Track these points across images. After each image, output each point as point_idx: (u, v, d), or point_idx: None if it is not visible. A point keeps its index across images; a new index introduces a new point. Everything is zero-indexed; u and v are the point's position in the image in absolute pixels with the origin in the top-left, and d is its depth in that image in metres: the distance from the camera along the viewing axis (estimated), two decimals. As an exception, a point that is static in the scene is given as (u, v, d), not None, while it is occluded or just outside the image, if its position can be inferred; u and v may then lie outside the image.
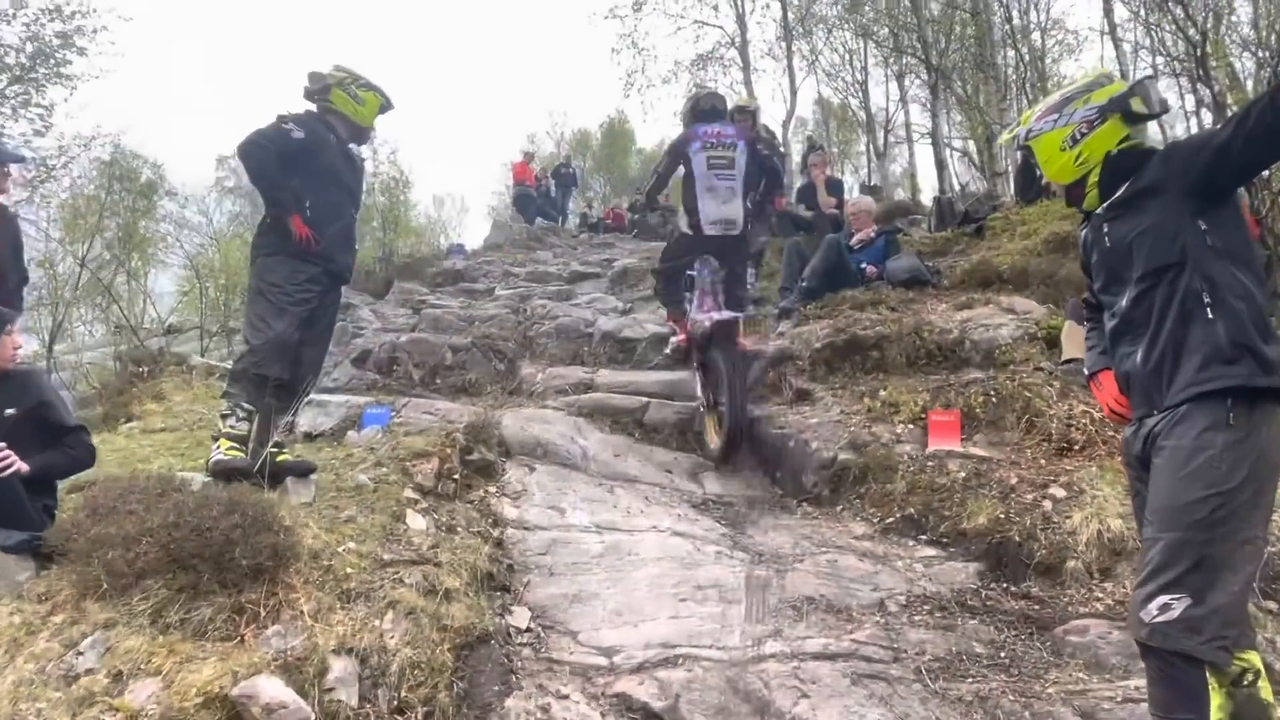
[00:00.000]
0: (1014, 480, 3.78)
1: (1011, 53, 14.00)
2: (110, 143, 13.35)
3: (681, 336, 5.53)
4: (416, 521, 3.33)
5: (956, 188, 16.22)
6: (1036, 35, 15.74)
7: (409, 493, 3.53)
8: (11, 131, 10.73)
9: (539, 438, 4.77)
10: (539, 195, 18.81)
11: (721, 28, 13.64)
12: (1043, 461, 3.92)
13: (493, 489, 4.08)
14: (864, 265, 6.61)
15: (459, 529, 3.46)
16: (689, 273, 5.40)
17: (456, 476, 3.96)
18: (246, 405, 3.35)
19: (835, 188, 9.36)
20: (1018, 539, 3.45)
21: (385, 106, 3.89)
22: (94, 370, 8.47)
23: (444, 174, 56.77)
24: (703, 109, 5.51)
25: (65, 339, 12.74)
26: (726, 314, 4.89)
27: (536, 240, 16.12)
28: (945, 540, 3.66)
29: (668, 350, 5.99)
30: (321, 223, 3.56)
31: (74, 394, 6.87)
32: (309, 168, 3.57)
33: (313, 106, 3.76)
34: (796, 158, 17.38)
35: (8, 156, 3.80)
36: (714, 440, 4.98)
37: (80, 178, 13.46)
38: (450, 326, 7.72)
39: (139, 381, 6.04)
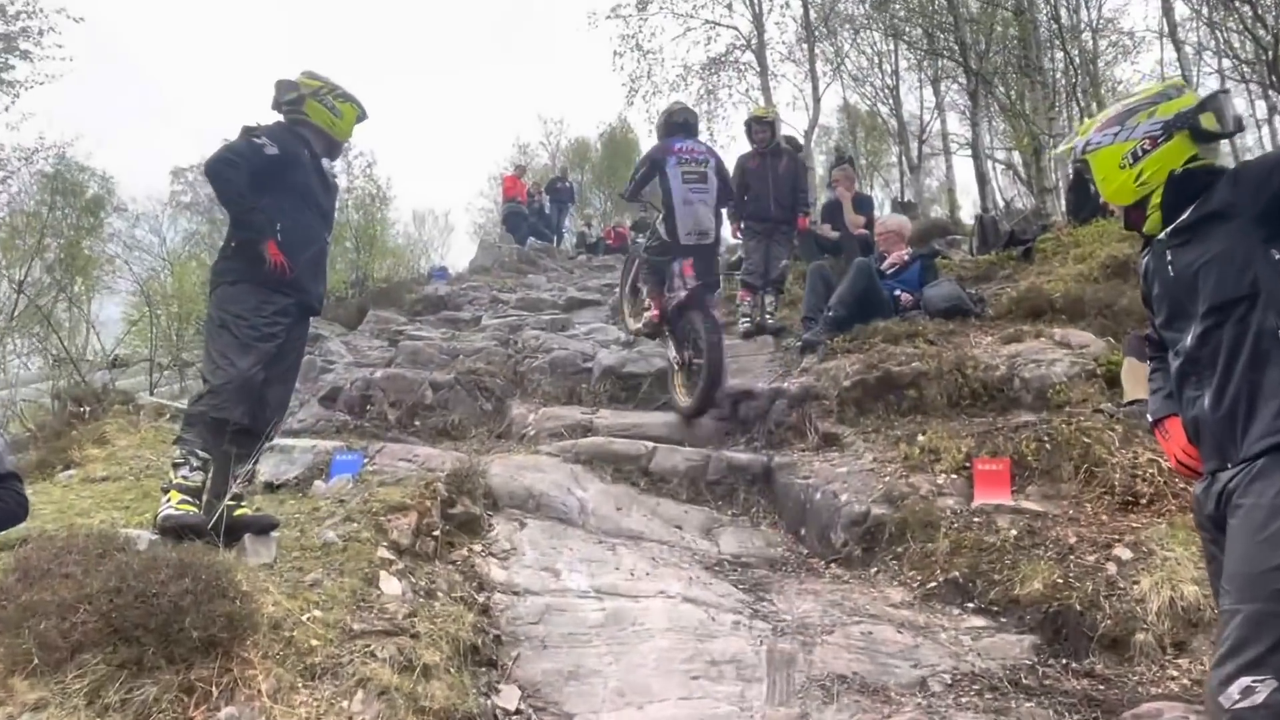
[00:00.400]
0: (1073, 539, 3.74)
1: (1060, 55, 14.19)
2: (54, 154, 13.52)
3: (654, 311, 6.43)
4: (391, 585, 3.30)
5: (1000, 205, 16.34)
6: (1087, 35, 15.97)
7: (383, 552, 3.50)
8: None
9: (531, 488, 4.75)
10: (531, 212, 18.98)
11: (736, 29, 13.83)
12: (1105, 518, 3.88)
13: (478, 547, 4.04)
14: (897, 292, 6.63)
15: (439, 594, 3.43)
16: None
17: (437, 533, 3.93)
18: (202, 453, 3.35)
19: (864, 205, 9.45)
20: (1078, 607, 3.41)
21: (362, 117, 3.96)
22: (29, 409, 8.47)
23: (426, 189, 57.67)
24: (676, 122, 6.46)
25: (-2, 373, 12.81)
26: (689, 286, 5.99)
27: (529, 263, 16.23)
28: (995, 608, 3.61)
29: (640, 324, 6.78)
30: (294, 248, 3.59)
31: (5, 436, 6.87)
32: (280, 186, 3.60)
33: (280, 118, 3.80)
34: (821, 170, 17.56)
35: None
36: (683, 398, 6.13)
37: (20, 193, 13.63)
38: (431, 361, 7.75)
39: (79, 423, 6.02)
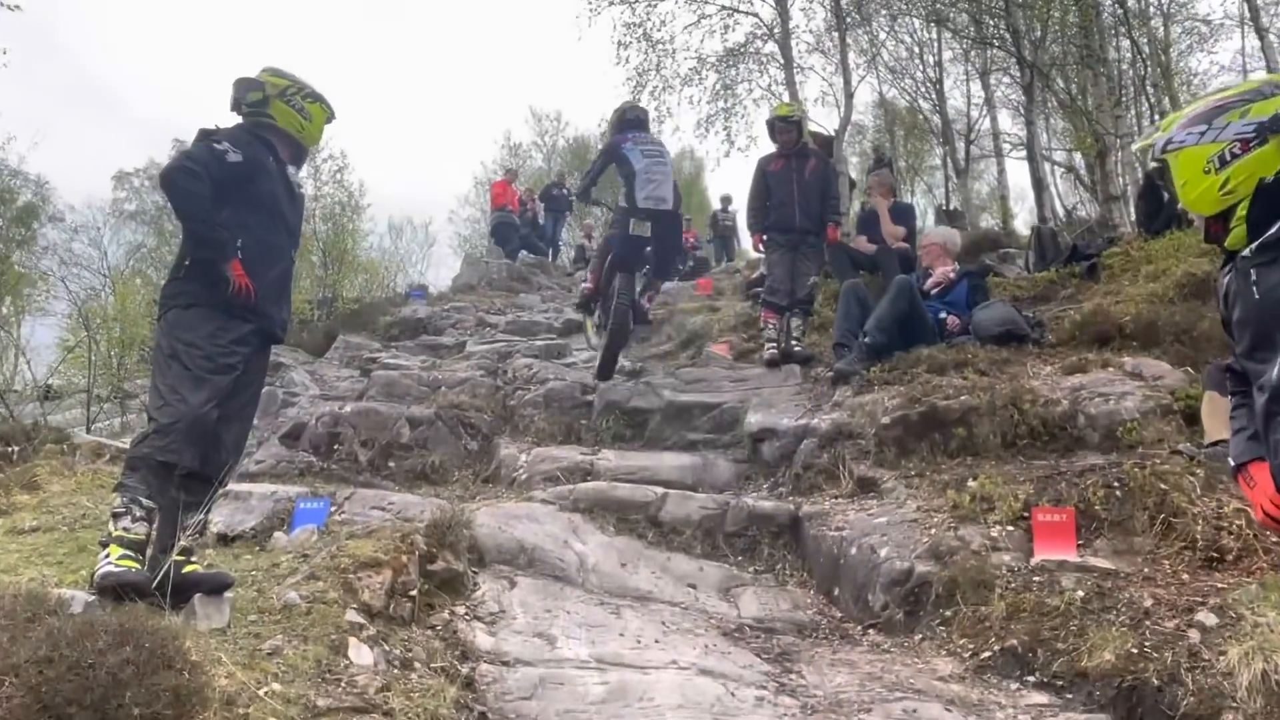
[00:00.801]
0: (1148, 602, 3.71)
1: (1126, 44, 14.27)
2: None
3: (590, 285, 8.34)
4: (361, 654, 3.29)
5: (1060, 213, 16.39)
6: (1158, 21, 16.08)
7: (352, 615, 3.50)
8: None
9: (522, 541, 4.74)
10: (524, 223, 19.09)
11: (757, 15, 13.89)
12: (1186, 577, 3.85)
13: (461, 610, 4.03)
14: (942, 315, 6.65)
15: (416, 664, 3.42)
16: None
17: (414, 593, 3.93)
18: (146, 501, 3.35)
19: (903, 215, 9.48)
20: (1156, 682, 3.37)
21: (331, 118, 4.01)
22: (-52, 449, 8.51)
23: (403, 196, 57.80)
24: (629, 119, 7.99)
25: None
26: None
27: (520, 280, 16.34)
28: (1060, 682, 3.57)
29: (576, 300, 9.08)
30: (256, 268, 3.63)
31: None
32: (242, 198, 3.64)
33: (240, 120, 3.85)
34: (855, 174, 17.63)
35: None
36: (594, 336, 8.54)
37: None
38: (408, 393, 7.77)
39: (6, 465, 6.06)
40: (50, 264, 19.14)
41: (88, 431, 8.76)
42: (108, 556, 3.27)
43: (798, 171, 8.00)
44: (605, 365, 7.66)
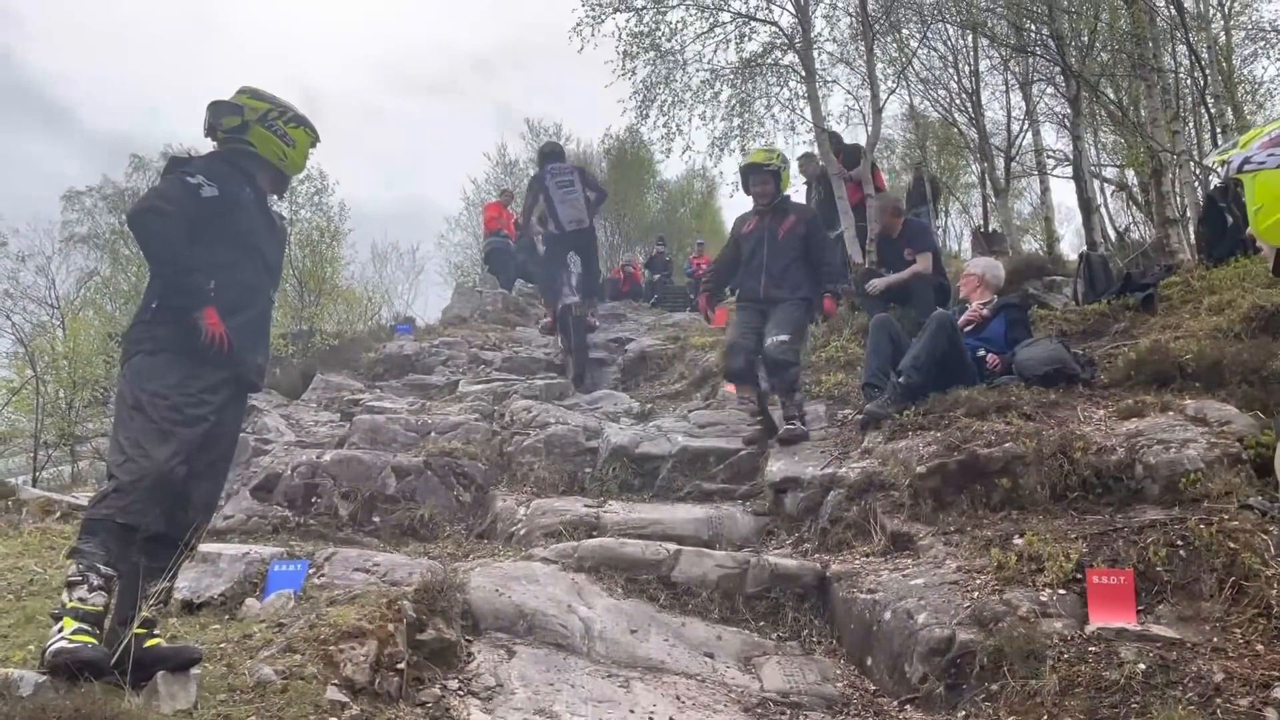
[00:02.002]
0: (1219, 676, 3.67)
1: (1183, 49, 14.32)
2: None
3: (550, 319, 11.54)
4: (343, 736, 3.28)
5: (1112, 236, 16.41)
6: (1218, 25, 16.17)
7: (333, 692, 3.48)
8: None
9: (521, 606, 4.73)
10: (520, 249, 19.16)
11: (776, 24, 13.95)
12: (1260, 647, 3.81)
13: (454, 684, 4.02)
14: (981, 353, 6.64)
15: (404, 747, 3.40)
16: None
17: (402, 666, 3.92)
18: (104, 568, 3.33)
19: (916, 238, 9.43)
20: (1229, 766, 3.34)
21: (315, 143, 4.04)
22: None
23: (388, 218, 58.23)
24: (545, 153, 11.08)
25: None
26: (573, 299, 11.02)
27: (517, 311, 16.40)
28: (1120, 766, 3.54)
29: (539, 327, 12.34)
30: (229, 311, 3.64)
31: None
32: (216, 235, 3.67)
33: (215, 146, 3.90)
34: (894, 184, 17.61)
35: None
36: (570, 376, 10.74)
37: None
38: (394, 439, 7.79)
39: (-57, 524, 6.06)
40: (-12, 292, 19.20)
41: (34, 483, 8.77)
42: (60, 631, 3.24)
43: (769, 233, 7.37)
44: (579, 378, 10.91)
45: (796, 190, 13.54)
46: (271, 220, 3.98)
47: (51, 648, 3.20)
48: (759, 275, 7.29)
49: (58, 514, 6.43)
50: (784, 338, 6.93)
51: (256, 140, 3.86)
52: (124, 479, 3.40)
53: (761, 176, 7.46)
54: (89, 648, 3.19)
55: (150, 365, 3.56)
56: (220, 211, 3.65)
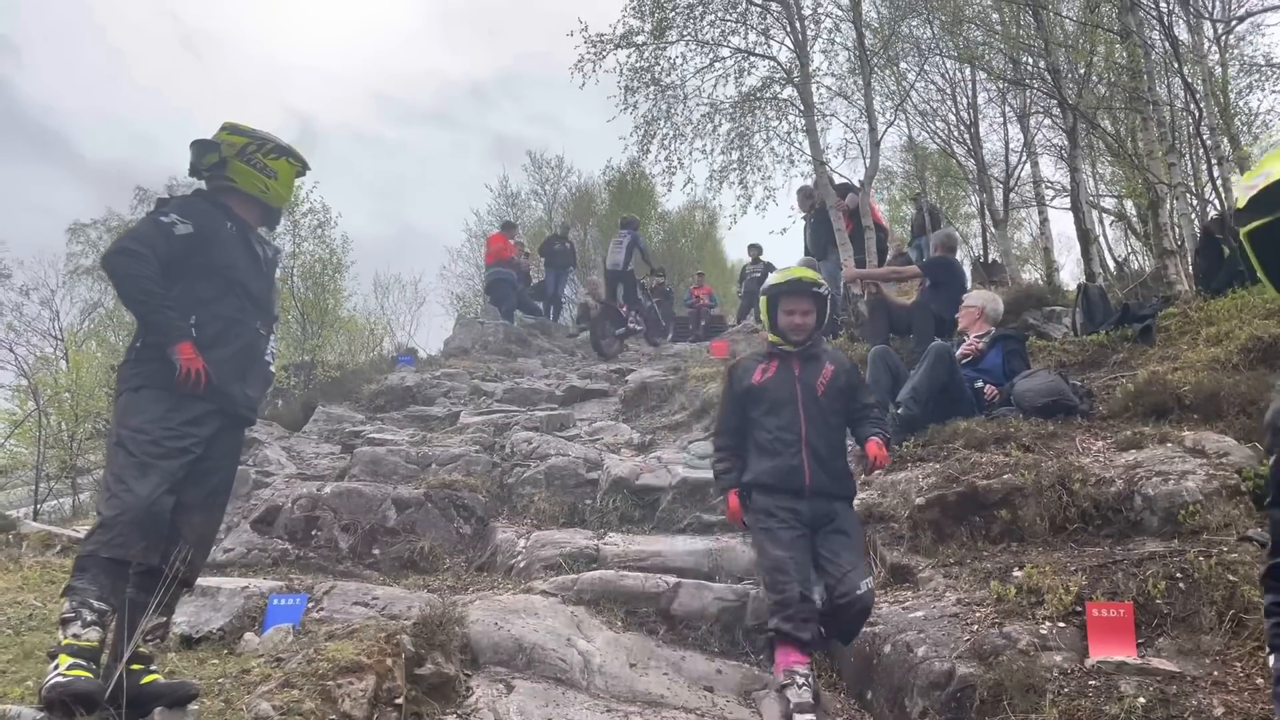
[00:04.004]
0: (1219, 710, 3.65)
1: (1178, 82, 14.40)
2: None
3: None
4: (340, 773, 3.26)
5: (1111, 267, 16.43)
6: (1214, 58, 16.25)
7: (331, 728, 3.47)
8: None
9: (520, 639, 4.71)
10: (523, 279, 19.23)
11: (774, 59, 14.06)
12: (1260, 681, 3.79)
13: (452, 719, 4.00)
14: (979, 384, 6.65)
15: (402, 783, 3.38)
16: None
17: (400, 701, 3.90)
18: (97, 603, 3.33)
19: (936, 270, 9.44)
20: (1230, 802, 3.32)
21: (302, 171, 4.05)
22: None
23: (385, 249, 58.41)
24: (621, 220, 17.17)
25: None
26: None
27: (519, 343, 16.43)
28: (1121, 802, 3.51)
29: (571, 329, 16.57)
30: (212, 344, 3.68)
31: None
32: (196, 271, 3.72)
33: (202, 184, 3.93)
34: (899, 231, 17.65)
35: None
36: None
37: None
38: (395, 471, 7.79)
39: (-57, 558, 6.05)
40: (-5, 323, 19.25)
41: (35, 515, 8.75)
42: (57, 668, 3.24)
43: (805, 387, 4.80)
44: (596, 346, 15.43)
45: (794, 222, 13.60)
46: (256, 254, 3.98)
47: (48, 682, 3.20)
48: (795, 453, 4.64)
49: (58, 548, 6.42)
50: (869, 577, 4.54)
51: (236, 175, 3.90)
52: (107, 514, 3.43)
53: (803, 301, 4.88)
54: (82, 680, 3.18)
55: (133, 402, 3.60)
56: (197, 248, 3.70)
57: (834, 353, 5.16)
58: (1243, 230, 1.83)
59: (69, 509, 10.15)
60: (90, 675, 3.23)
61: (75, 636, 3.28)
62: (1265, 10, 13.22)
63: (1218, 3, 14.66)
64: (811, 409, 4.74)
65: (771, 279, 5.03)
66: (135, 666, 3.28)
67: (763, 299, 4.99)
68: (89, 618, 3.30)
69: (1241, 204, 1.89)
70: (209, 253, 3.74)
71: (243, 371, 3.84)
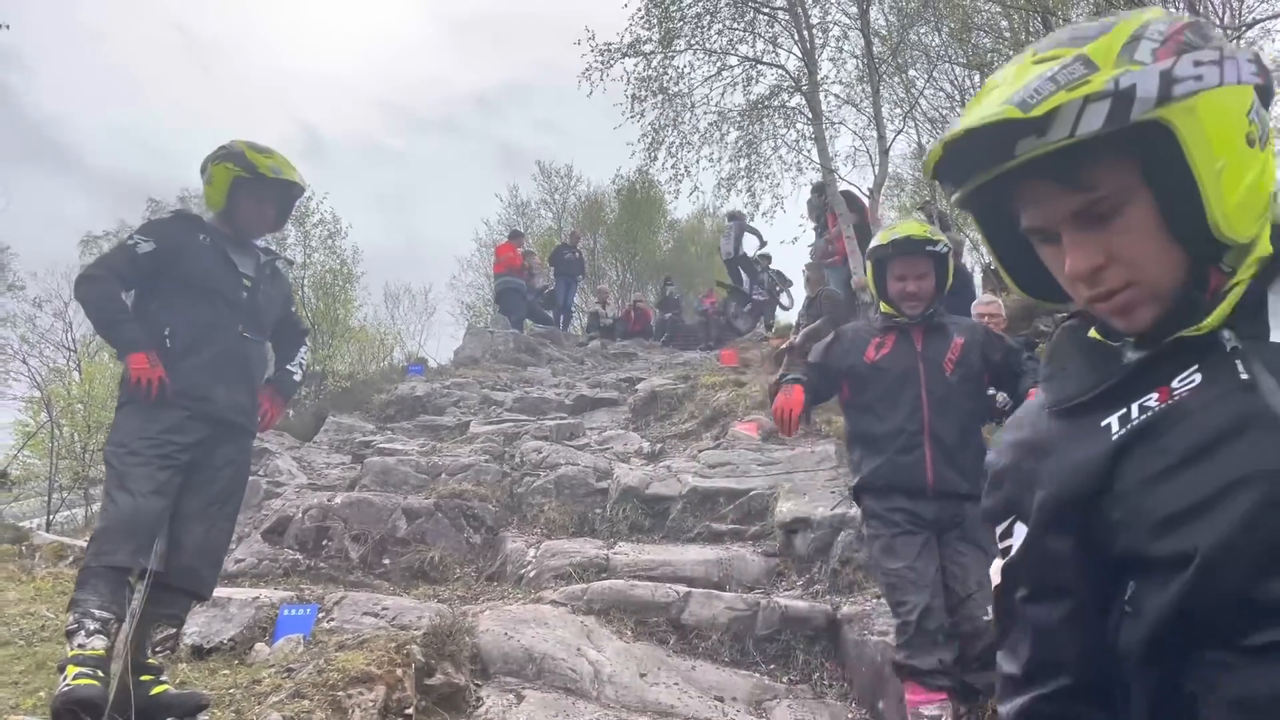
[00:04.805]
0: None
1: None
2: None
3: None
4: (350, 784, 3.26)
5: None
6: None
7: (341, 738, 3.47)
8: None
9: (530, 649, 4.70)
10: (531, 289, 19.25)
11: (782, 67, 14.07)
12: None
13: (462, 729, 3.99)
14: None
15: (412, 794, 3.37)
16: None
17: (410, 711, 3.89)
18: (99, 612, 3.36)
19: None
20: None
21: (244, 175, 3.94)
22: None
23: (399, 259, 58.49)
24: (731, 212, 17.22)
25: None
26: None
27: (528, 352, 16.41)
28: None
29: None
30: (186, 350, 3.76)
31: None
32: (169, 284, 3.82)
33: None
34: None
35: None
36: None
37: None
38: (405, 481, 7.79)
39: (-44, 569, 6.06)
40: (8, 333, 19.39)
41: (48, 526, 8.77)
42: (65, 679, 3.27)
43: (929, 364, 4.05)
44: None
45: (805, 231, 13.60)
46: (231, 262, 3.99)
47: (59, 691, 3.23)
48: (916, 447, 3.95)
49: (70, 559, 6.43)
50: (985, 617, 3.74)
51: (205, 192, 4.04)
52: (98, 527, 3.55)
53: (917, 263, 4.02)
54: (83, 687, 3.21)
55: (117, 421, 3.73)
56: (164, 262, 3.80)
57: (963, 321, 4.37)
58: None
59: (81, 519, 10.17)
60: (94, 682, 3.26)
61: (80, 646, 3.32)
62: (1274, 17, 13.14)
63: (1226, 10, 14.60)
64: (937, 391, 3.98)
65: (876, 239, 4.15)
66: (145, 677, 3.29)
67: (868, 264, 4.17)
68: (92, 626, 3.36)
69: None
70: (178, 265, 3.83)
71: (223, 375, 3.86)
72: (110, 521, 3.49)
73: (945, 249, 4.00)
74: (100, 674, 3.30)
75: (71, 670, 3.26)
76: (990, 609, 2.71)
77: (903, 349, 4.07)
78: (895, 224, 4.27)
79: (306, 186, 4.18)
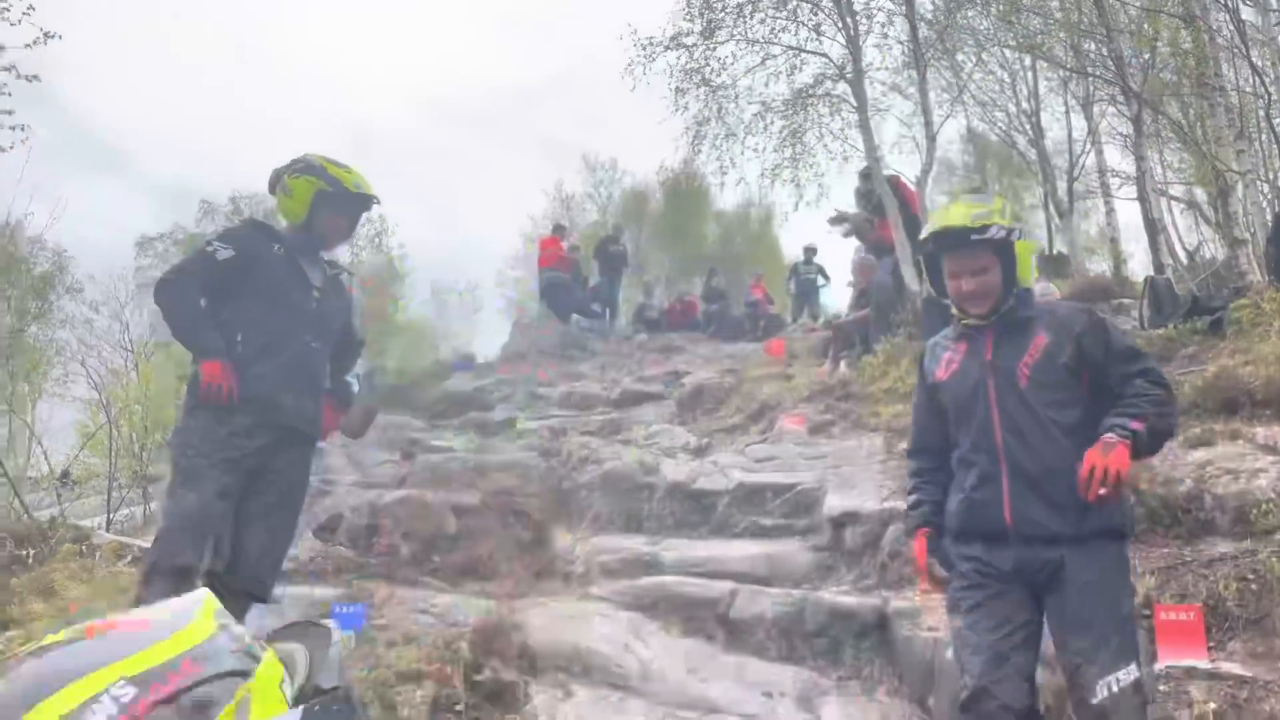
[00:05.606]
0: (1294, 716, 3.59)
1: (1246, 65, 14.01)
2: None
3: None
4: (401, 780, 3.32)
5: (1182, 256, 16.07)
6: (1281, 37, 15.82)
7: (391, 735, 3.53)
8: None
9: (578, 645, 4.76)
10: (577, 283, 19.27)
11: (826, 55, 13.95)
12: (1337, 685, 3.72)
13: (512, 726, 4.05)
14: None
15: (462, 790, 3.43)
16: None
17: (460, 707, 3.96)
18: None
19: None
20: (1305, 810, 3.26)
21: (326, 188, 4.05)
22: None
23: (445, 256, 58.88)
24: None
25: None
26: None
27: (574, 347, 16.46)
28: (1192, 810, 3.46)
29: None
30: (256, 357, 3.84)
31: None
32: (243, 291, 3.89)
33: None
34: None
35: None
36: None
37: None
38: (454, 479, 7.86)
39: (21, 570, 6.18)
40: (68, 334, 19.78)
41: (108, 526, 8.95)
42: None
43: (1001, 374, 3.23)
44: None
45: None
46: (302, 272, 4.10)
47: None
48: (991, 480, 3.17)
49: (129, 558, 6.56)
50: (1128, 668, 2.94)
51: (278, 205, 4.14)
52: (162, 527, 3.68)
53: (971, 258, 3.26)
54: None
55: (184, 427, 3.83)
56: (241, 269, 3.89)
57: (1059, 309, 3.47)
58: None
59: (140, 518, 10.38)
60: None
61: None
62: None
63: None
64: (1010, 406, 3.17)
65: (924, 232, 3.46)
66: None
67: (919, 260, 3.78)
68: None
69: None
70: (253, 273, 3.91)
71: (291, 383, 3.95)
72: (174, 521, 3.60)
73: (1001, 233, 3.19)
74: None
75: None
76: (1102, 686, 2.83)
77: (971, 360, 3.32)
78: (939, 209, 3.66)
79: (380, 200, 4.29)
